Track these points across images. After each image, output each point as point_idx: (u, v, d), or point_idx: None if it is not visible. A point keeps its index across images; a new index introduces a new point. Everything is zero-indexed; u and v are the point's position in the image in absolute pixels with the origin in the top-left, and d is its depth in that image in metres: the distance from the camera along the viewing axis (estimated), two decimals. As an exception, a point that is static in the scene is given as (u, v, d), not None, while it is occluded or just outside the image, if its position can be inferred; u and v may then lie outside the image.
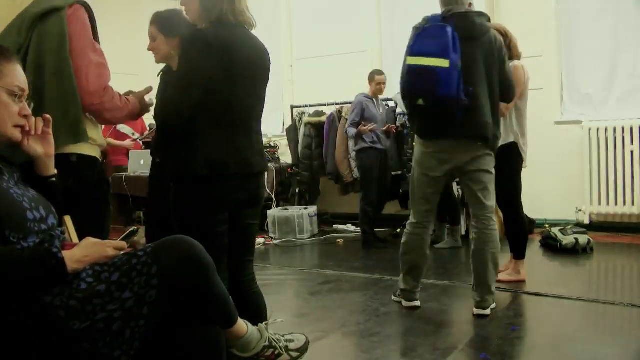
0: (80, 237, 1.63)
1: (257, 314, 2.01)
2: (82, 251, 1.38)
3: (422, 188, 3.00)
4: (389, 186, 5.34)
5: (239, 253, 2.08)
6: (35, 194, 1.51)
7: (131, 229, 1.55)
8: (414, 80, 2.81)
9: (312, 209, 5.68)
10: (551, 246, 4.47)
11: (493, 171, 2.97)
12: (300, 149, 6.13)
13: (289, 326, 2.49)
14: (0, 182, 1.43)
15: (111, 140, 5.60)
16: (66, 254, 1.33)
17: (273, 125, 6.70)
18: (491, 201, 2.97)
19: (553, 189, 5.20)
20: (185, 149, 1.89)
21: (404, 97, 2.94)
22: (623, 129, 4.94)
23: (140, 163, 5.35)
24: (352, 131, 4.93)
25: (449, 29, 2.72)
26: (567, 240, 4.37)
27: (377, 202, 5.11)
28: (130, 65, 6.21)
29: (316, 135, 6.04)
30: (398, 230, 5.43)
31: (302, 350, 1.78)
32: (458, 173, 2.98)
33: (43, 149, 1.58)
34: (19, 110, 1.48)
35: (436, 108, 2.79)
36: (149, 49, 2.11)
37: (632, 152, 4.90)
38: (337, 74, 6.04)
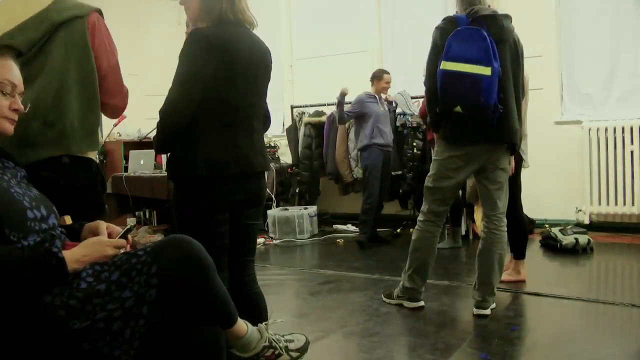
0: None
1: (257, 314, 2.01)
2: (81, 250, 1.38)
3: (442, 191, 2.96)
4: (389, 186, 5.34)
5: (239, 253, 2.07)
6: (37, 193, 1.51)
7: (128, 226, 1.54)
8: (453, 87, 2.72)
9: (312, 209, 5.68)
10: (551, 246, 4.47)
11: (509, 168, 2.97)
12: (300, 149, 6.13)
13: (289, 326, 2.49)
14: (0, 181, 1.43)
15: None
16: (66, 254, 1.33)
17: (273, 125, 6.64)
18: (504, 201, 2.96)
19: (553, 189, 5.20)
20: (185, 149, 1.89)
21: (431, 99, 2.89)
22: (623, 129, 4.94)
23: (140, 163, 5.35)
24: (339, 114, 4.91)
25: (486, 33, 2.69)
26: (567, 240, 4.37)
27: (378, 201, 5.10)
28: (130, 65, 6.22)
29: (316, 135, 6.04)
30: (398, 230, 5.44)
31: (302, 350, 1.78)
32: (477, 171, 2.95)
33: None
34: (8, 104, 1.49)
35: (475, 115, 2.74)
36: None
37: (632, 152, 4.90)
38: (337, 74, 6.04)
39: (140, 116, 5.83)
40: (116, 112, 2.08)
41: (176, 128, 1.88)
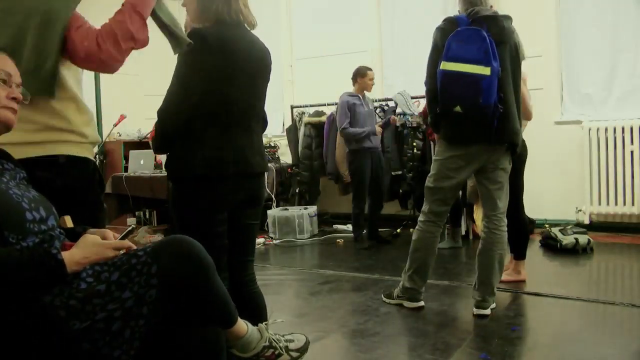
0: None
1: (257, 314, 2.01)
2: (81, 252, 1.37)
3: (443, 191, 2.96)
4: (385, 186, 5.34)
5: (239, 253, 2.07)
6: (36, 194, 1.51)
7: (129, 228, 1.55)
8: (453, 87, 2.73)
9: (312, 209, 5.68)
10: (551, 246, 4.47)
11: (509, 168, 2.97)
12: (300, 149, 6.13)
13: (289, 326, 2.49)
14: (-1, 182, 1.43)
15: None
16: (66, 255, 1.33)
17: (273, 125, 6.70)
18: (504, 202, 2.96)
19: (553, 189, 5.20)
20: (184, 149, 1.89)
21: (432, 100, 2.88)
22: (623, 129, 4.94)
23: (140, 163, 5.35)
24: (356, 130, 4.83)
25: (485, 34, 2.69)
26: (567, 240, 4.37)
27: (374, 202, 5.10)
28: (131, 65, 6.22)
29: (316, 135, 6.04)
30: (398, 230, 5.43)
31: (302, 350, 1.78)
32: (477, 171, 2.96)
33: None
34: (6, 94, 1.50)
35: (474, 115, 2.74)
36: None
37: (632, 152, 4.90)
38: (337, 74, 6.03)
39: (140, 116, 5.84)
40: (110, 67, 1.76)
41: (175, 128, 1.88)
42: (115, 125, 5.35)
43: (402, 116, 5.50)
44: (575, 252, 4.32)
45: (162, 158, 5.27)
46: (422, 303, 3.10)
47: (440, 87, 2.77)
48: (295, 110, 6.43)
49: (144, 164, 5.36)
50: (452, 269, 4.00)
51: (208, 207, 1.91)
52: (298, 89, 6.70)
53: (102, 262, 1.40)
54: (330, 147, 5.77)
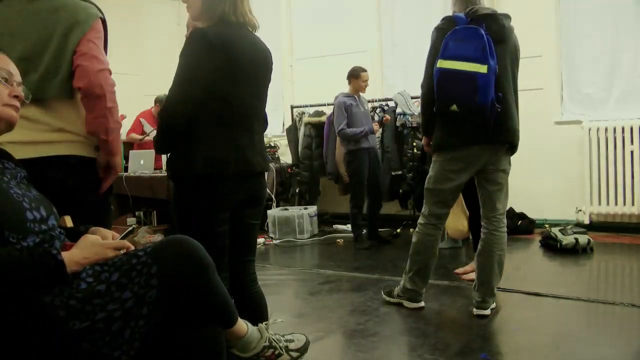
0: None
1: (258, 314, 2.01)
2: (81, 252, 1.38)
3: (443, 193, 2.93)
4: (384, 185, 5.33)
5: (240, 253, 2.07)
6: (36, 194, 1.51)
7: (130, 228, 1.55)
8: (449, 85, 2.69)
9: (312, 209, 5.69)
10: (551, 246, 4.47)
11: (509, 169, 2.96)
12: (300, 149, 6.13)
13: (289, 326, 2.50)
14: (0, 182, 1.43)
15: (134, 135, 5.77)
16: (66, 255, 1.33)
17: (273, 125, 6.70)
18: (503, 203, 2.95)
19: (553, 189, 5.20)
20: (185, 148, 1.89)
21: (428, 101, 2.85)
22: (623, 129, 4.94)
23: (140, 163, 5.35)
24: (354, 130, 4.83)
25: (483, 32, 2.67)
26: (567, 240, 4.37)
27: (373, 202, 5.10)
28: (131, 65, 6.22)
29: (316, 135, 6.04)
30: (398, 230, 5.44)
31: (302, 350, 1.79)
32: (477, 172, 2.94)
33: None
34: (8, 92, 1.51)
35: (471, 115, 2.71)
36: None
37: (632, 152, 4.90)
38: (337, 74, 6.03)
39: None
40: (90, 97, 1.85)
41: (177, 128, 1.88)
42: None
43: (402, 116, 5.49)
44: (575, 252, 4.32)
45: (163, 159, 5.28)
46: (422, 304, 3.10)
47: (437, 85, 2.73)
48: (295, 110, 6.43)
49: (144, 164, 5.36)
50: (452, 269, 3.99)
51: (208, 207, 1.91)
52: (298, 89, 6.70)
53: (102, 262, 1.40)
54: (330, 147, 5.77)
